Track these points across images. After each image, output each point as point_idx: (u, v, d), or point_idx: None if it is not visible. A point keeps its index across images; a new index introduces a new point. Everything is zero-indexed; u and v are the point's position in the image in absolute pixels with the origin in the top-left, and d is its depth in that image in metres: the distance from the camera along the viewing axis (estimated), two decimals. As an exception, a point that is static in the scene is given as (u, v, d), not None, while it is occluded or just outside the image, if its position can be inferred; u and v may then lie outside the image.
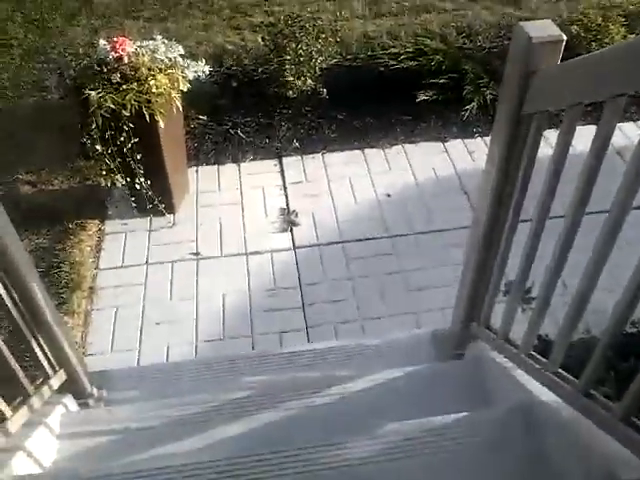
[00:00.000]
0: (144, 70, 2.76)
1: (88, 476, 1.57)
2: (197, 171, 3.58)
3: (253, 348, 2.54)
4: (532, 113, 1.44)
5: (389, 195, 3.30)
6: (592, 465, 1.34)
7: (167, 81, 2.80)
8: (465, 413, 1.68)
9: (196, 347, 2.56)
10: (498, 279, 1.82)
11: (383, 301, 2.70)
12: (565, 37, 1.36)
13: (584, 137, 1.33)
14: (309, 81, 4.00)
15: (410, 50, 4.19)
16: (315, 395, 1.96)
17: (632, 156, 1.10)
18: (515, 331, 1.77)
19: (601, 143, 1.19)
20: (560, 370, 1.50)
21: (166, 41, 2.92)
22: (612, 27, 3.86)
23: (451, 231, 3.03)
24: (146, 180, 2.98)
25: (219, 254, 3.01)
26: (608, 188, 1.22)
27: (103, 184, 3.26)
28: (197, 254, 3.02)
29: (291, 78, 3.94)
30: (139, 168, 2.93)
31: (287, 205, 3.29)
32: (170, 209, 3.22)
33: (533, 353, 1.67)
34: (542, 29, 1.38)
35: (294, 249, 3.02)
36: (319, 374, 2.20)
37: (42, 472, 1.66)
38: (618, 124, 1.18)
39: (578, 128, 1.31)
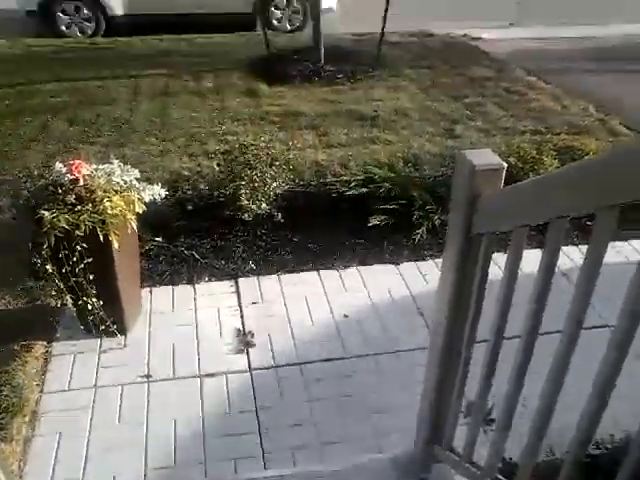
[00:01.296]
0: (100, 192, 2.78)
1: None
2: (151, 292, 3.54)
3: (206, 476, 2.39)
4: (481, 234, 1.52)
5: (346, 316, 3.32)
6: None
7: (123, 203, 2.83)
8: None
9: (145, 476, 2.38)
10: (458, 400, 1.82)
11: (343, 424, 2.63)
12: (505, 165, 1.47)
13: (532, 261, 1.41)
14: (264, 205, 4.13)
15: (360, 178, 4.42)
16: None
17: (579, 278, 1.17)
18: (480, 453, 1.75)
19: (549, 261, 1.27)
20: None
21: (122, 165, 2.99)
22: (545, 159, 4.21)
23: (409, 352, 3.03)
24: (98, 300, 2.92)
25: (171, 376, 2.90)
26: (560, 308, 1.28)
27: (53, 304, 3.18)
28: (148, 377, 2.90)
29: (246, 202, 4.05)
30: (91, 288, 2.88)
31: (243, 326, 3.26)
32: (122, 330, 3.14)
33: (499, 477, 1.64)
34: (483, 157, 1.50)
35: (250, 371, 2.95)
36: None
37: None
38: (564, 247, 1.27)
39: (526, 252, 1.38)
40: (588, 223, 3.74)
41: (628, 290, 1.03)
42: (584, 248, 1.16)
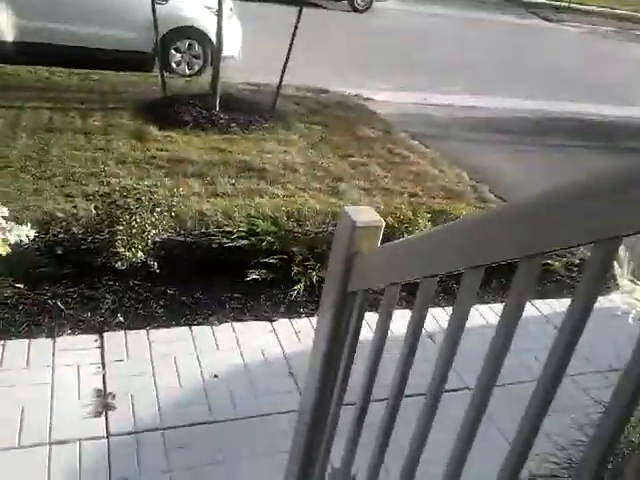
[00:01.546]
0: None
1: None
2: (3, 345, 3.23)
3: None
4: (355, 291, 1.53)
5: (216, 376, 3.19)
6: None
7: (-17, 245, 2.59)
8: None
9: None
10: (323, 466, 1.77)
11: (202, 498, 2.48)
12: (384, 223, 1.52)
13: (402, 321, 1.40)
14: (140, 253, 3.96)
15: (243, 229, 4.37)
16: None
17: (444, 339, 1.17)
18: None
19: (418, 320, 1.28)
20: None
21: (-12, 202, 2.76)
22: (420, 220, 4.38)
23: (277, 415, 2.95)
24: None
25: (15, 445, 2.63)
26: (425, 369, 1.27)
27: None
28: (-13, 446, 2.61)
29: (122, 249, 3.88)
30: None
31: (104, 386, 3.03)
32: (-36, 392, 2.83)
33: None
34: (364, 214, 1.54)
35: (107, 437, 2.73)
36: None
37: None
38: (430, 309, 1.30)
39: (397, 312, 1.41)
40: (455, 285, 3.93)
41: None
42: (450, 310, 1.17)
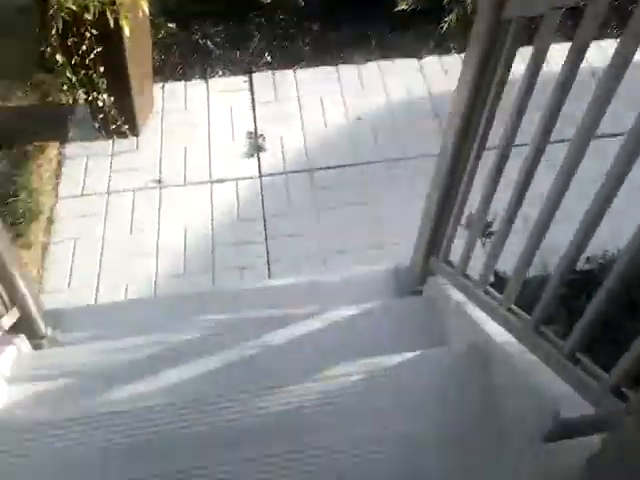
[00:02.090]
0: (109, -33, 2.54)
1: (46, 421, 1.56)
2: (163, 87, 3.41)
3: (213, 284, 2.51)
4: (510, 20, 1.33)
5: (360, 118, 3.17)
6: (539, 404, 1.34)
7: (134, -20, 2.59)
8: (419, 352, 1.68)
9: (155, 283, 2.52)
10: (460, 210, 1.77)
11: (348, 234, 2.65)
12: None
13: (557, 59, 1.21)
14: (284, -16, 3.73)
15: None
16: (275, 333, 1.96)
17: (602, 77, 1.02)
18: (475, 267, 1.74)
19: (579, 49, 1.10)
20: (513, 306, 1.48)
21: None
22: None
23: (422, 158, 2.93)
24: (109, 97, 2.84)
25: (182, 182, 2.92)
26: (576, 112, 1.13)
27: (64, 101, 3.11)
28: (159, 182, 2.92)
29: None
30: (102, 83, 2.78)
31: (255, 128, 3.16)
32: (133, 130, 3.09)
33: (489, 289, 1.64)
34: None
35: (260, 177, 2.93)
36: (279, 311, 2.19)
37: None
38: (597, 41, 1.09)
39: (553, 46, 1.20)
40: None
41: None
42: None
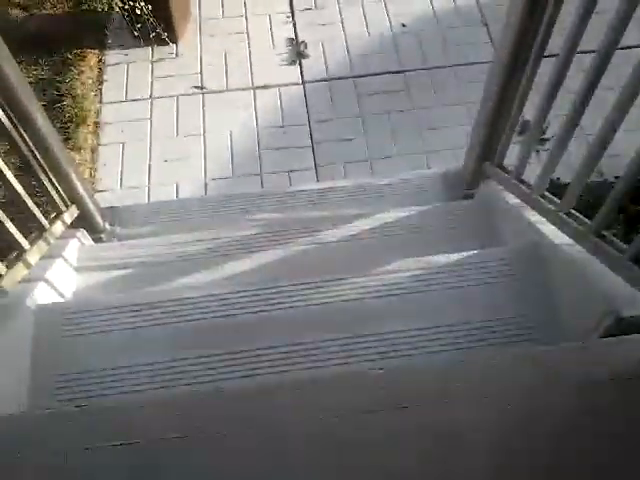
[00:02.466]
0: None
1: (118, 304, 1.62)
2: (199, -5, 3.33)
3: (262, 186, 2.53)
4: None
5: (404, 25, 3.09)
6: (596, 301, 1.38)
7: None
8: (476, 251, 1.70)
9: (205, 185, 2.55)
10: (516, 117, 1.75)
11: (394, 140, 2.64)
12: None
13: None
14: None
15: None
16: (324, 233, 1.98)
17: None
18: (526, 174, 1.75)
19: None
20: (573, 210, 1.49)
21: None
22: None
23: (468, 66, 2.87)
24: (146, 4, 2.79)
25: (224, 88, 2.89)
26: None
27: (100, 9, 3.06)
28: (202, 88, 2.90)
29: None
30: (138, -11, 2.73)
31: (295, 35, 3.10)
32: (172, 38, 3.05)
33: (546, 193, 1.65)
34: None
35: (303, 84, 2.89)
36: (328, 212, 2.20)
37: (66, 301, 1.73)
38: None
39: None
40: None
41: None
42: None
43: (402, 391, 1.02)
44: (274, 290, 1.62)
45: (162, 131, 2.74)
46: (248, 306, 1.61)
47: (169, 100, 2.85)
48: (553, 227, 1.57)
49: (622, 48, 1.26)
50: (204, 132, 2.73)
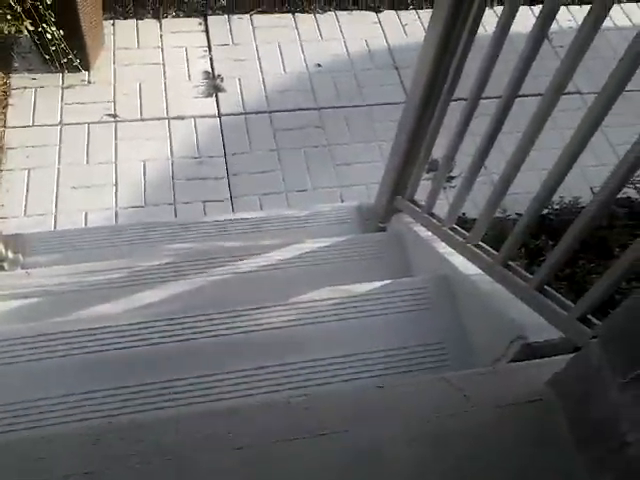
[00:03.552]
0: None
1: (18, 335, 1.53)
2: (113, 24, 3.29)
3: (176, 216, 2.49)
4: None
5: (319, 65, 3.19)
6: (505, 329, 1.45)
7: None
8: (386, 281, 1.75)
9: (116, 213, 2.47)
10: (426, 155, 1.84)
11: (309, 174, 2.69)
12: None
13: (524, 22, 1.31)
14: None
15: None
16: (240, 262, 1.97)
17: (572, 41, 1.10)
18: (435, 209, 1.83)
19: (547, 14, 1.17)
20: (481, 243, 1.58)
21: None
22: None
23: (380, 106, 2.99)
24: (58, 29, 2.71)
25: (139, 117, 2.85)
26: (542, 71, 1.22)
27: (7, 31, 2.94)
28: (115, 116, 2.84)
29: None
30: (49, 15, 2.65)
31: (212, 69, 3.12)
32: (85, 65, 2.98)
33: (456, 226, 1.74)
34: None
35: (219, 116, 2.90)
36: (245, 242, 2.20)
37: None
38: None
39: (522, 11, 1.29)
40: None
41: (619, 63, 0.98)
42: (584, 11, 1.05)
43: (322, 417, 1.02)
44: (192, 319, 1.59)
45: (71, 158, 2.65)
46: (165, 335, 1.56)
47: (80, 127, 2.77)
48: (463, 258, 1.65)
49: (524, 96, 1.37)
50: (116, 160, 2.66)
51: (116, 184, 2.57)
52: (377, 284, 1.73)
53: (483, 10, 1.44)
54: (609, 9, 1.02)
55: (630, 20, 3.52)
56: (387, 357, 1.59)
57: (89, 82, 2.98)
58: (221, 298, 1.85)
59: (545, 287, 1.31)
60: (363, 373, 1.55)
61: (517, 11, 1.29)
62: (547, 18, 1.18)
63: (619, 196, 1.07)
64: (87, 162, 2.65)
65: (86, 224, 2.41)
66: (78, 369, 1.48)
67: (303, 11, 3.49)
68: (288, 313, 1.63)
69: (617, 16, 3.52)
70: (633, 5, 3.65)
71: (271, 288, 1.90)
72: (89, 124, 2.78)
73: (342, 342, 1.60)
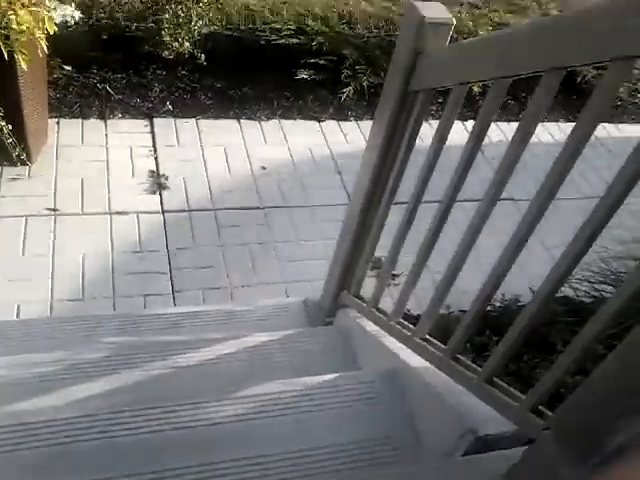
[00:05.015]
0: (3, 3, 2.48)
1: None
2: (58, 122, 3.31)
3: (114, 309, 2.40)
4: (417, 91, 1.48)
5: (264, 168, 3.28)
6: (455, 421, 1.42)
7: (31, 19, 2.54)
8: (334, 375, 1.72)
9: (51, 306, 2.36)
10: (370, 253, 1.88)
11: (254, 270, 2.68)
12: (454, 21, 1.41)
13: (460, 134, 1.40)
14: (187, 44, 3.85)
15: (292, 27, 4.17)
16: (181, 356, 1.90)
17: (507, 150, 1.18)
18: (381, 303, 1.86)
19: (483, 123, 1.26)
20: (428, 336, 1.58)
21: (31, -25, 2.65)
22: (481, 32, 4.15)
23: (324, 207, 3.07)
24: (6, 124, 2.70)
25: (80, 211, 2.80)
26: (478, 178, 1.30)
27: None
28: (55, 210, 2.79)
29: (168, 39, 3.77)
30: (-2, 109, 2.65)
31: (157, 168, 3.15)
32: (25, 159, 2.95)
33: (402, 321, 1.75)
34: (434, 10, 1.43)
35: (162, 213, 2.89)
36: (187, 336, 2.13)
37: None
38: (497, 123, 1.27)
39: (456, 126, 1.38)
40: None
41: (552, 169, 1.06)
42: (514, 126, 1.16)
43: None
44: (127, 414, 1.50)
45: (6, 250, 2.55)
46: (96, 431, 1.46)
47: (17, 220, 2.69)
48: (411, 352, 1.65)
49: (464, 201, 1.45)
50: (54, 253, 2.57)
51: (52, 277, 2.47)
52: (324, 377, 1.71)
53: (426, 109, 1.54)
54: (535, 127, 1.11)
55: (552, 137, 3.85)
56: (336, 453, 1.54)
57: (29, 176, 2.93)
58: (162, 392, 1.77)
59: (494, 379, 1.32)
60: (315, 469, 1.48)
61: (455, 117, 1.39)
62: (478, 139, 1.28)
63: (557, 295, 1.12)
64: (23, 254, 2.55)
65: (18, 316, 2.28)
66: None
67: (248, 118, 3.63)
68: (232, 408, 1.58)
69: (541, 132, 3.84)
70: (553, 123, 4.03)
71: (212, 382, 1.84)
72: (27, 217, 2.71)
73: (289, 437, 1.54)
